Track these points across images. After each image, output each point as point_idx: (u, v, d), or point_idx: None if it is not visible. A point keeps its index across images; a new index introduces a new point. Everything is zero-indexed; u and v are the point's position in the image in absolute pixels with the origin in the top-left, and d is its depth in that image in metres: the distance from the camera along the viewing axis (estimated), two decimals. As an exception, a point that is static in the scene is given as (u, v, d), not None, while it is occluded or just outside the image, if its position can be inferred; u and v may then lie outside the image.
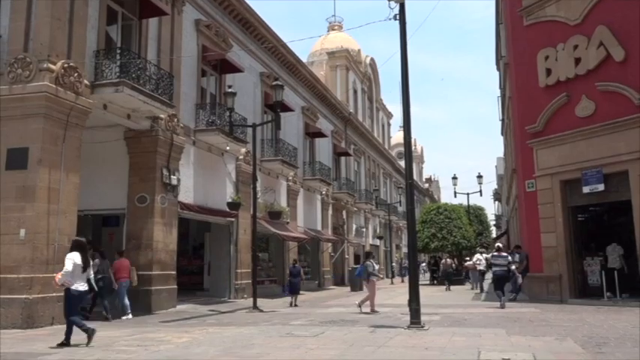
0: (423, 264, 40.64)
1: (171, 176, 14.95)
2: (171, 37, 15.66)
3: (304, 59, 30.56)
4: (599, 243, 16.29)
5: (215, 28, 18.19)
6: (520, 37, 17.38)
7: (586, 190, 14.75)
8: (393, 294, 22.35)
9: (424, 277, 31.73)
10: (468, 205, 35.91)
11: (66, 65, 11.45)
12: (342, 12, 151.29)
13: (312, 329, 10.09)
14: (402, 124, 12.06)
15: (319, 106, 29.49)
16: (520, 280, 16.30)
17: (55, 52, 11.43)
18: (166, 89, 13.92)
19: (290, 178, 24.10)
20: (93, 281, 8.77)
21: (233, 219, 18.59)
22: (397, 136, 55.08)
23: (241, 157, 19.27)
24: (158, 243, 14.44)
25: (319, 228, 28.26)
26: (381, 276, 13.09)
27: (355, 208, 35.38)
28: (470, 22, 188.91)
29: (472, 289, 23.28)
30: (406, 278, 31.18)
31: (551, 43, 15.87)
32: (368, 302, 13.78)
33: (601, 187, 14.41)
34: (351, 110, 35.51)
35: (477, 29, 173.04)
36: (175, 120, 15.13)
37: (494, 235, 48.75)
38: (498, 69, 29.75)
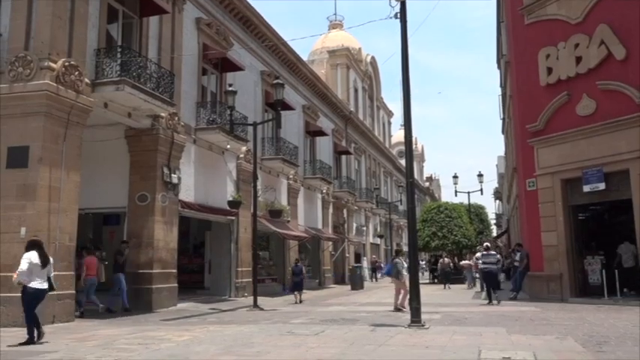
0: (422, 262, 40.61)
1: (172, 175, 14.95)
2: (172, 35, 15.65)
3: (305, 58, 30.55)
4: (600, 242, 16.30)
5: (216, 27, 18.18)
6: (521, 36, 17.36)
7: (587, 188, 14.74)
8: (393, 293, 22.36)
9: (423, 277, 31.71)
10: (469, 204, 35.91)
11: (67, 64, 11.45)
12: (343, 10, 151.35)
13: (313, 328, 10.10)
14: (402, 123, 12.03)
15: (320, 105, 29.48)
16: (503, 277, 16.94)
17: (56, 50, 11.42)
18: (167, 88, 13.92)
19: (290, 176, 24.10)
20: (53, 279, 8.82)
21: (234, 217, 18.60)
22: (398, 134, 55.07)
23: (242, 155, 19.28)
24: (159, 241, 14.45)
25: (320, 226, 28.27)
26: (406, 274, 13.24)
27: (356, 207, 35.39)
28: (471, 20, 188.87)
29: (468, 288, 23.29)
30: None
31: (552, 41, 15.86)
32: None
33: (602, 185, 14.40)
34: (352, 109, 35.49)
35: (478, 27, 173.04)
36: (176, 118, 15.13)
37: (494, 233, 48.76)
38: (499, 67, 29.73)
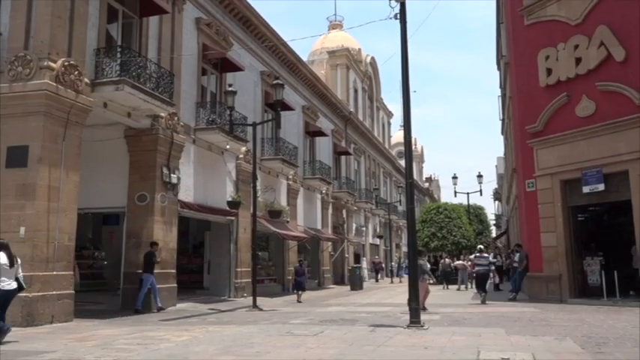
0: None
1: (172, 175, 14.95)
2: (172, 35, 15.65)
3: (305, 58, 30.55)
4: (599, 243, 16.30)
5: (215, 27, 18.18)
6: (521, 37, 17.38)
7: (586, 189, 14.75)
8: (392, 293, 22.40)
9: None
10: (468, 205, 35.91)
11: (66, 63, 11.44)
12: (343, 11, 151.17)
13: (312, 328, 10.10)
14: (402, 124, 12.05)
15: (319, 105, 29.48)
16: (497, 279, 18.24)
17: (56, 50, 11.42)
18: (167, 88, 13.91)
19: (290, 177, 24.10)
20: (22, 279, 8.79)
21: (233, 218, 18.60)
22: (397, 135, 55.06)
23: (241, 155, 19.27)
24: (158, 241, 14.42)
25: (319, 227, 28.26)
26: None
27: (355, 208, 35.39)
28: (471, 20, 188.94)
29: (458, 289, 23.25)
30: (404, 278, 31.30)
31: (551, 42, 15.87)
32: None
33: (601, 186, 14.42)
34: (352, 109, 35.49)
35: (478, 28, 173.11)
36: (176, 118, 15.13)
37: (494, 234, 48.77)
38: (499, 68, 29.75)
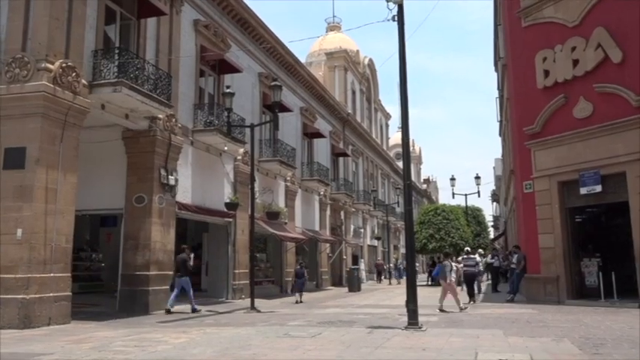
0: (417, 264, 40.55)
1: (169, 176, 14.93)
2: (170, 37, 15.64)
3: (303, 60, 30.58)
4: (597, 244, 16.32)
5: (213, 29, 18.18)
6: (518, 39, 17.40)
7: (583, 191, 14.77)
8: (390, 294, 22.39)
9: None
10: (466, 206, 35.91)
11: (64, 65, 11.43)
12: (341, 12, 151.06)
13: (310, 330, 10.09)
14: (400, 125, 12.06)
15: (317, 107, 29.50)
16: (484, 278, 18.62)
17: (53, 51, 11.40)
18: (164, 89, 13.90)
19: (288, 178, 24.10)
20: None
21: (231, 219, 18.58)
22: (395, 136, 55.09)
23: (239, 157, 19.26)
24: (156, 243, 14.42)
25: (317, 228, 28.26)
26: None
27: (353, 209, 35.39)
28: (468, 22, 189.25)
29: None
30: (402, 279, 31.26)
31: (549, 44, 15.90)
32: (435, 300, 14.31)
33: (598, 188, 14.43)
34: (350, 111, 35.51)
35: (476, 30, 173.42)
36: (173, 120, 15.12)
37: (492, 236, 48.79)
38: (496, 70, 29.79)
